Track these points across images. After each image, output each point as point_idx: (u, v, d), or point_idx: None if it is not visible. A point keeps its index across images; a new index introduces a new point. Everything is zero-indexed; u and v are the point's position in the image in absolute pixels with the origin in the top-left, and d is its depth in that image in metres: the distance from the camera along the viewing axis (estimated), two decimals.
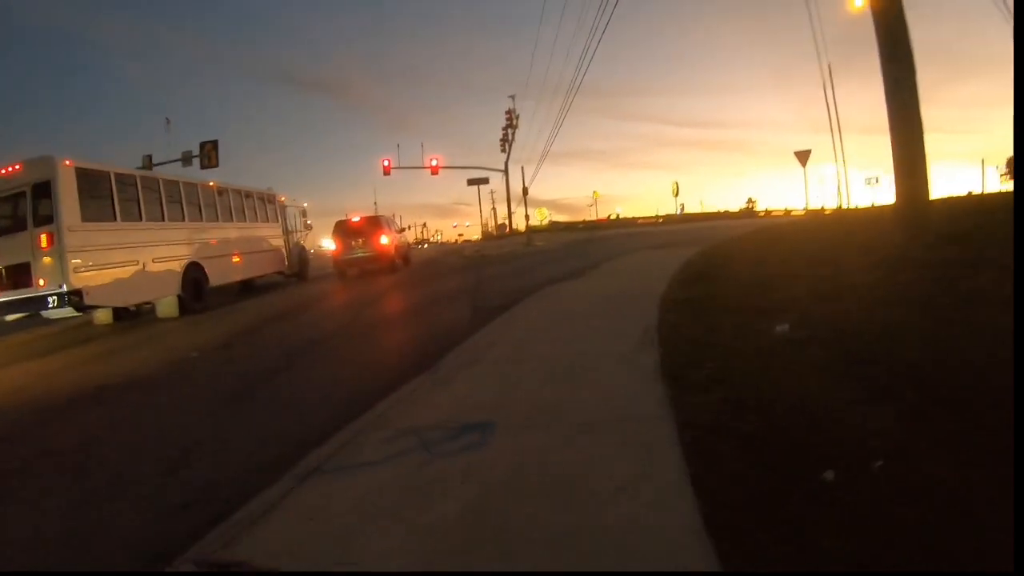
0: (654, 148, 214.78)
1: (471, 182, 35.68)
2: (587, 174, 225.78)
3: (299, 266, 21.06)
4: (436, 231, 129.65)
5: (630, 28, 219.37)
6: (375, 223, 21.09)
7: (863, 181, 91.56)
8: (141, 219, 12.82)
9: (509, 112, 42.68)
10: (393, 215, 24.94)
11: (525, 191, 34.65)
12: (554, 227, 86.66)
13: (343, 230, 20.81)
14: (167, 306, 13.40)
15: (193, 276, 14.01)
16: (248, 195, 18.04)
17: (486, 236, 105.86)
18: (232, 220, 16.60)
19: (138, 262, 12.44)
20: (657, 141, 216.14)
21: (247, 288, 18.27)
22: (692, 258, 13.32)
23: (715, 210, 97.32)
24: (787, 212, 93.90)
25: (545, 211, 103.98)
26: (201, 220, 15.02)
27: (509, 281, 14.00)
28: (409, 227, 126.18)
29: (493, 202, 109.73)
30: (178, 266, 13.66)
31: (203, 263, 14.53)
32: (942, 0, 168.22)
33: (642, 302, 7.83)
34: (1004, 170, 67.83)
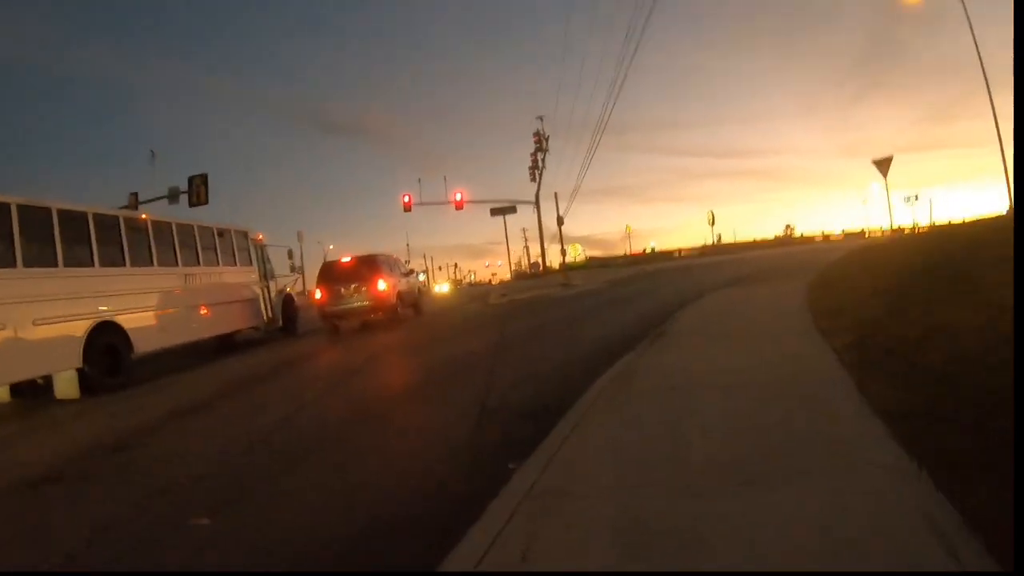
0: (683, 181, 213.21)
1: (495, 212, 32.01)
2: (617, 209, 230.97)
3: (284, 318, 17.39)
4: (469, 271, 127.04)
5: (654, 63, 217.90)
6: (371, 265, 17.36)
7: (903, 200, 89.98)
8: (15, 264, 9.21)
9: (538, 135, 39.32)
10: (397, 256, 20.99)
11: (560, 220, 30.86)
12: (591, 263, 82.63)
13: (331, 274, 17.14)
14: (65, 383, 9.66)
15: (104, 342, 10.24)
16: (208, 232, 14.45)
17: (517, 275, 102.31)
18: (179, 264, 12.92)
19: (6, 325, 8.81)
20: (686, 174, 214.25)
21: (225, 346, 14.96)
22: (818, 298, 9.27)
23: (751, 239, 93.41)
24: (825, 236, 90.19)
25: (579, 247, 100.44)
26: (124, 265, 11.33)
27: (544, 346, 10.12)
28: (436, 268, 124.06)
29: (526, 239, 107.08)
30: (80, 329, 9.92)
31: (123, 322, 10.77)
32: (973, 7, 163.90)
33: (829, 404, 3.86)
34: None
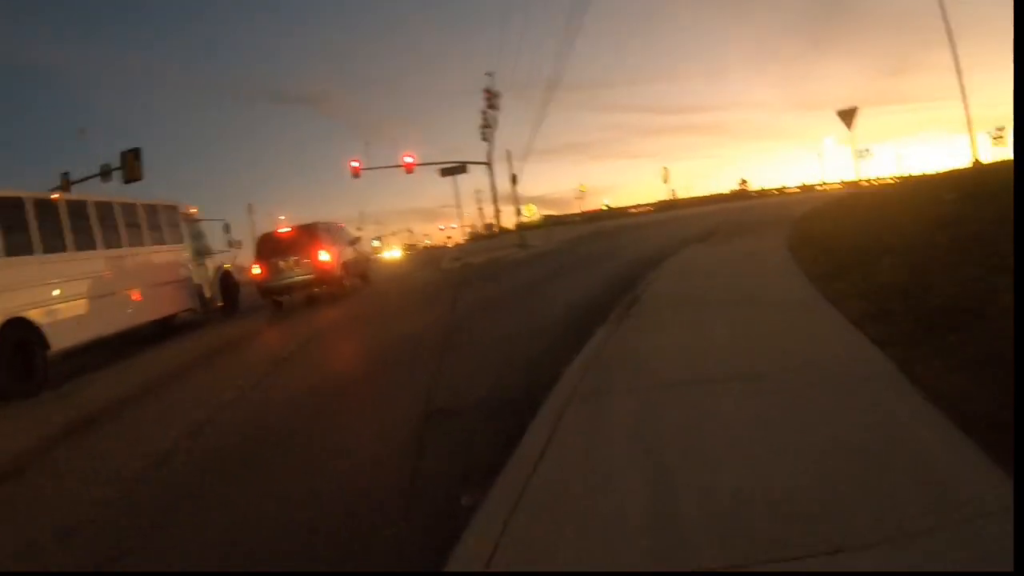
0: (636, 137, 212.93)
1: (445, 172, 30.91)
2: (569, 168, 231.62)
3: (224, 297, 16.45)
4: (424, 235, 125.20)
5: (603, 19, 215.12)
6: (311, 234, 16.26)
7: (855, 153, 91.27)
8: None
9: (488, 91, 38.18)
10: (341, 223, 19.90)
11: (514, 179, 30.05)
12: (547, 222, 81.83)
13: (268, 247, 16.05)
14: None
15: (13, 341, 9.27)
16: (131, 209, 13.34)
17: (473, 237, 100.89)
18: (98, 247, 11.87)
19: None
20: (639, 130, 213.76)
21: (165, 330, 13.99)
22: (807, 257, 8.54)
23: (706, 195, 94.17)
24: (782, 191, 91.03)
25: (533, 207, 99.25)
26: (34, 252, 10.36)
27: (501, 321, 9.20)
28: (391, 233, 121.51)
29: (479, 201, 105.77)
30: None
31: (35, 318, 9.81)
32: None
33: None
34: (995, 134, 68.77)
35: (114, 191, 26.58)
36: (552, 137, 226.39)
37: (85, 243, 11.49)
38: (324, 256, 15.84)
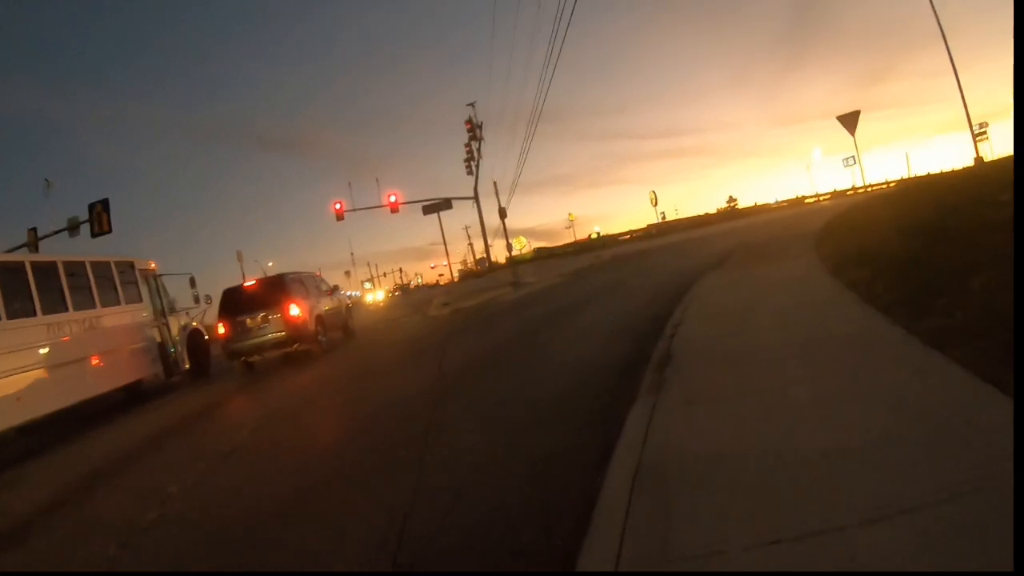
0: (621, 164, 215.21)
1: (427, 210, 29.88)
2: (557, 199, 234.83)
3: (192, 359, 15.14)
4: (415, 274, 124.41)
5: (582, 49, 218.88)
6: (280, 288, 14.93)
7: (842, 163, 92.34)
8: None
9: (470, 122, 37.43)
10: (314, 272, 18.75)
11: (503, 212, 28.77)
12: (539, 254, 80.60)
13: (233, 303, 14.70)
14: None
15: None
16: (78, 268, 12.03)
17: (463, 275, 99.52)
18: (37, 314, 10.51)
19: None
20: (625, 157, 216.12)
21: (130, 397, 13.04)
22: (860, 280, 6.74)
23: (695, 215, 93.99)
24: (776, 204, 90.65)
25: (523, 239, 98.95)
26: None
27: (499, 392, 7.51)
28: (380, 274, 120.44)
29: (469, 236, 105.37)
30: None
31: None
32: None
33: None
34: (978, 130, 71.04)
35: (85, 246, 25.45)
36: (540, 169, 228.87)
37: (21, 310, 10.24)
38: (295, 311, 14.56)
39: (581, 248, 76.51)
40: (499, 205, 29.26)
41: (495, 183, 29.64)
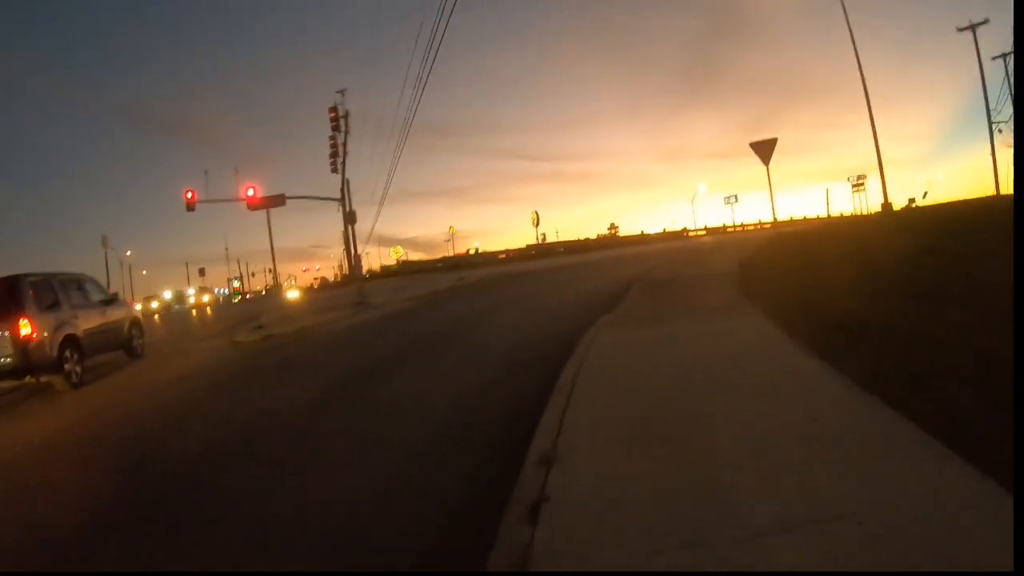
0: (509, 182, 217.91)
1: (253, 207, 24.92)
2: (443, 211, 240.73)
3: None
4: (290, 276, 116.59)
5: (482, 67, 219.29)
6: (7, 296, 11.03)
7: (723, 201, 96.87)
8: None
9: (335, 111, 32.74)
10: (78, 274, 13.76)
11: (350, 216, 24.00)
12: (405, 268, 76.04)
13: None
14: None
15: None
16: None
17: (322, 285, 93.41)
18: None
19: None
20: (512, 176, 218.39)
21: None
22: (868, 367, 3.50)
23: (576, 238, 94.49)
24: (643, 235, 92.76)
25: (400, 249, 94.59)
26: None
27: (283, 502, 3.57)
28: (252, 274, 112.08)
29: (345, 242, 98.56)
30: None
31: None
32: (780, 32, 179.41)
33: None
34: (856, 181, 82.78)
35: None
36: (428, 180, 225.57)
37: None
38: (26, 329, 10.73)
39: (451, 264, 72.88)
40: (347, 207, 24.79)
41: (347, 180, 25.12)
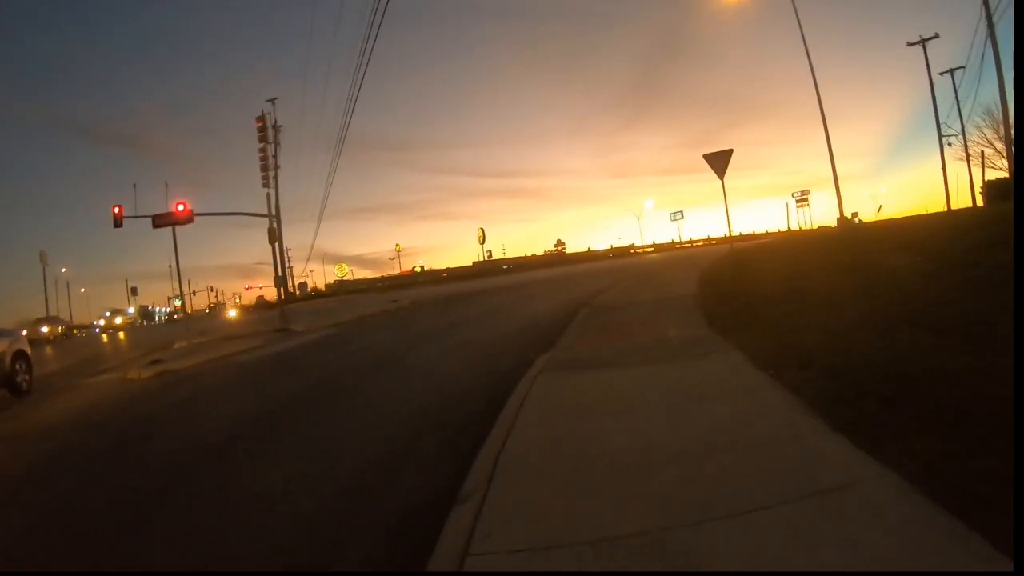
0: (456, 199, 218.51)
1: (159, 224, 23.06)
2: (390, 228, 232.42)
3: None
4: (234, 294, 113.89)
5: (427, 83, 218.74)
6: None
7: (668, 217, 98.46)
8: None
9: (262, 120, 31.08)
10: None
11: (273, 234, 22.68)
12: (341, 288, 73.61)
13: None
14: None
15: None
16: None
17: (260, 303, 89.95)
18: None
19: None
20: (458, 193, 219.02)
21: None
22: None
23: (523, 255, 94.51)
24: (589, 250, 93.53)
25: (346, 267, 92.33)
26: None
27: None
28: (193, 292, 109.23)
29: (289, 260, 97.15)
30: None
31: None
32: (726, 50, 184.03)
33: None
34: (799, 197, 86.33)
35: None
36: (375, 197, 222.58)
37: None
38: None
39: (390, 284, 71.07)
40: (271, 224, 23.07)
41: (268, 194, 23.46)
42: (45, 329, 48.72)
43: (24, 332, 16.88)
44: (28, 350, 14.53)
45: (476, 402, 6.79)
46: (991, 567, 2.14)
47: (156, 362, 15.13)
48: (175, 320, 77.43)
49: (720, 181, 20.30)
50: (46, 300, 75.70)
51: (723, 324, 8.57)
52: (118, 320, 60.46)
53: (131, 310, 70.38)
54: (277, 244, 23.97)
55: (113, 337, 39.99)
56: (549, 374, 7.22)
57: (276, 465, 5.65)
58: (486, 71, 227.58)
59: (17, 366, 13.63)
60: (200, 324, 41.60)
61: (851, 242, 18.62)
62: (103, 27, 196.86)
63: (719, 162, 19.08)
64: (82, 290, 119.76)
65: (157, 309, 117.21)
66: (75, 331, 62.10)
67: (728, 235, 31.81)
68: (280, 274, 24.36)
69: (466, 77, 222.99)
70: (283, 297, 25.12)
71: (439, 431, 5.93)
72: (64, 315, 67.53)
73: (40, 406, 12.17)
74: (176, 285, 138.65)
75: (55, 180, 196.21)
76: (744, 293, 11.18)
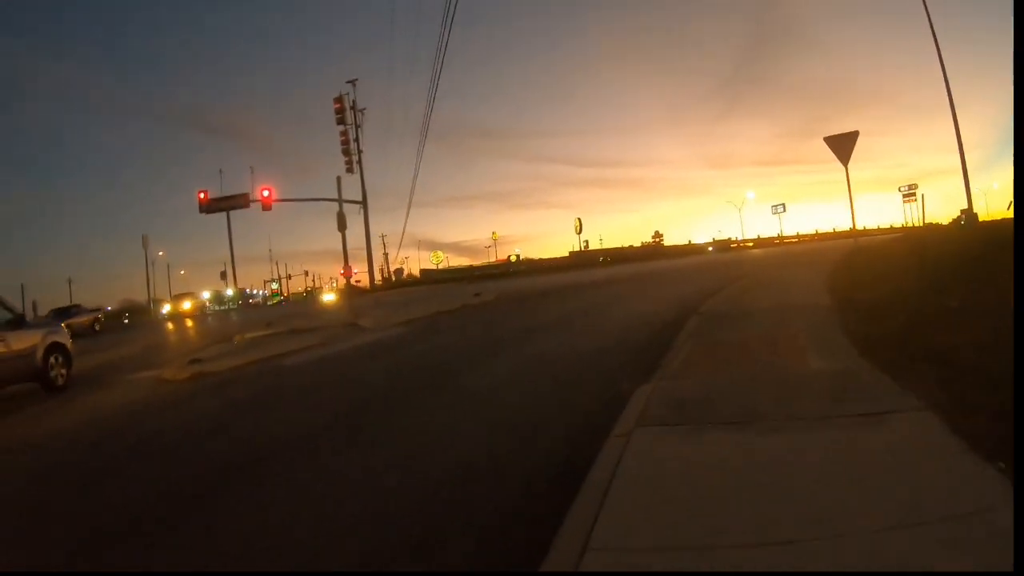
0: (554, 188, 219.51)
1: (211, 208, 21.96)
2: (488, 216, 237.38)
3: None
4: (331, 279, 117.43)
5: (530, 72, 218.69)
6: None
7: (769, 210, 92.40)
8: None
9: (339, 102, 29.88)
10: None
11: (342, 221, 21.32)
12: (424, 278, 72.75)
13: None
14: None
15: None
16: None
17: (352, 290, 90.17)
18: None
19: None
20: (556, 182, 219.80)
21: None
22: None
23: (620, 246, 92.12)
24: (690, 243, 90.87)
25: (441, 254, 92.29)
26: None
27: None
28: (286, 277, 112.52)
29: (384, 245, 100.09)
30: None
31: None
32: (827, 38, 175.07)
33: None
34: (907, 191, 73.70)
35: None
36: (472, 184, 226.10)
37: None
38: None
39: (479, 273, 69.80)
40: (339, 210, 21.60)
41: (338, 179, 22.05)
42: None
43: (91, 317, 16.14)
44: (67, 342, 13.80)
45: (534, 472, 4.73)
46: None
47: (196, 361, 13.76)
48: (253, 306, 78.51)
49: (844, 168, 17.59)
50: (147, 282, 79.02)
51: (885, 355, 6.06)
52: (186, 305, 54.89)
53: (206, 294, 70.73)
54: (364, 230, 22.62)
55: (180, 324, 38.85)
56: (650, 433, 4.95)
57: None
58: (584, 60, 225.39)
59: (52, 360, 12.90)
60: (275, 312, 41.08)
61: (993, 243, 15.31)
62: (195, 19, 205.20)
63: (843, 145, 16.62)
64: (182, 272, 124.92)
65: (255, 292, 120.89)
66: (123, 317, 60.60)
67: (852, 229, 28.29)
68: (347, 264, 22.96)
69: (564, 66, 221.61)
70: (350, 290, 23.71)
71: (464, 533, 3.81)
72: (164, 296, 69.92)
73: (64, 406, 11.35)
74: (273, 269, 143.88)
75: (157, 167, 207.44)
76: (898, 308, 8.39)
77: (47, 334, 13.07)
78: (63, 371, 13.23)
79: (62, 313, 37.14)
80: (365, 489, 4.90)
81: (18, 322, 12.50)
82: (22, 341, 12.19)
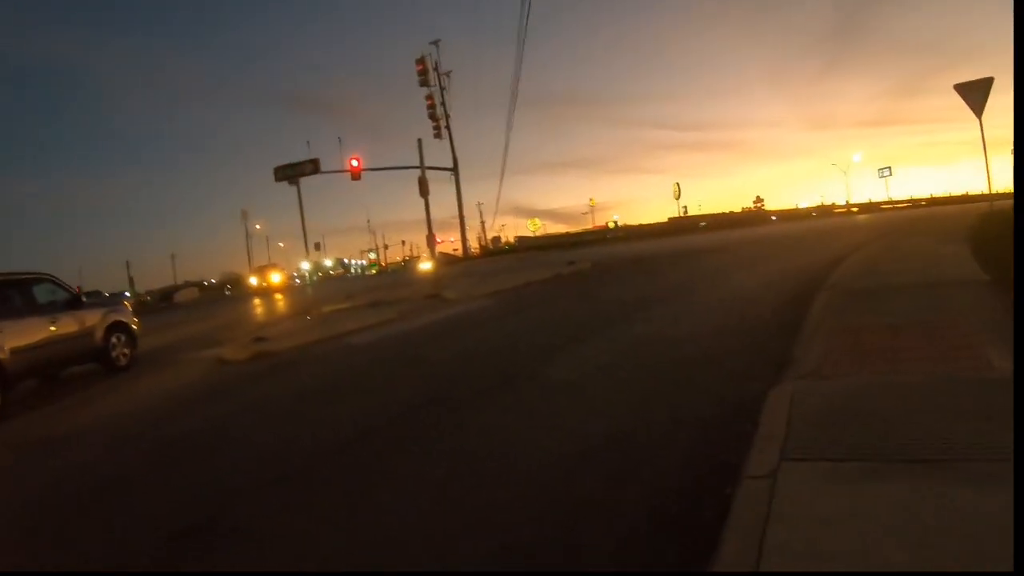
0: (651, 153, 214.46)
1: (279, 177, 21.17)
2: (583, 182, 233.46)
3: None
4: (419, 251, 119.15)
5: (623, 36, 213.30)
6: None
7: (876, 174, 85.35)
8: None
9: (422, 63, 28.72)
10: (38, 274, 12.04)
11: (424, 187, 20.17)
12: (519, 246, 71.61)
13: None
14: None
15: None
16: None
17: (445, 258, 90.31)
18: None
19: None
20: (653, 146, 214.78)
21: None
22: None
23: (719, 211, 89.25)
24: (796, 207, 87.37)
25: (537, 221, 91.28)
26: None
27: None
28: (383, 247, 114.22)
29: (481, 214, 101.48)
30: None
31: None
32: None
33: None
34: None
35: None
36: (567, 151, 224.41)
37: None
38: None
39: (574, 240, 68.37)
40: (421, 175, 20.40)
41: (419, 142, 20.95)
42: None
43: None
44: (130, 321, 13.35)
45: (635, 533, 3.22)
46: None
47: (260, 340, 12.90)
48: (343, 276, 79.25)
49: (977, 119, 14.93)
50: (248, 254, 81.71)
51: None
52: (276, 278, 49.97)
53: (305, 264, 71.77)
54: (456, 197, 21.48)
55: (264, 297, 37.45)
56: (803, 474, 3.44)
57: None
58: (678, 21, 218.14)
59: (114, 339, 12.56)
60: (362, 283, 40.48)
61: None
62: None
63: (976, 94, 13.99)
64: (280, 244, 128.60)
65: (352, 261, 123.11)
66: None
67: (988, 191, 24.85)
68: (431, 233, 21.79)
69: (658, 28, 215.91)
70: (435, 258, 22.67)
71: None
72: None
73: (120, 387, 10.97)
74: (371, 239, 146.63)
75: (255, 142, 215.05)
76: None
77: (107, 313, 12.59)
78: (125, 351, 12.83)
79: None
80: (381, 525, 3.54)
81: (73, 302, 11.91)
82: (79, 321, 11.73)
